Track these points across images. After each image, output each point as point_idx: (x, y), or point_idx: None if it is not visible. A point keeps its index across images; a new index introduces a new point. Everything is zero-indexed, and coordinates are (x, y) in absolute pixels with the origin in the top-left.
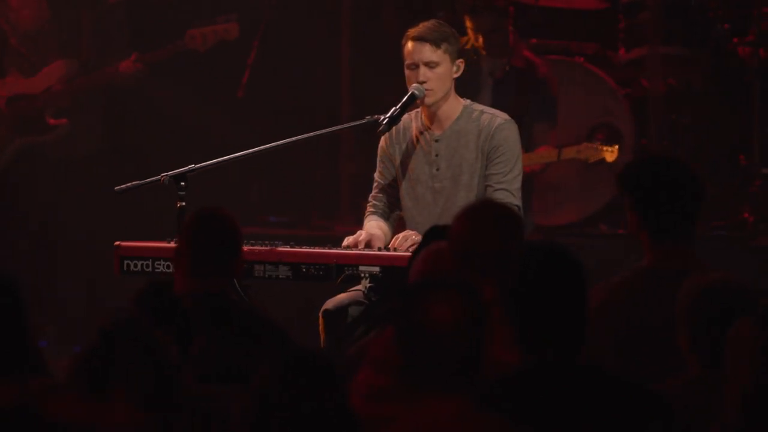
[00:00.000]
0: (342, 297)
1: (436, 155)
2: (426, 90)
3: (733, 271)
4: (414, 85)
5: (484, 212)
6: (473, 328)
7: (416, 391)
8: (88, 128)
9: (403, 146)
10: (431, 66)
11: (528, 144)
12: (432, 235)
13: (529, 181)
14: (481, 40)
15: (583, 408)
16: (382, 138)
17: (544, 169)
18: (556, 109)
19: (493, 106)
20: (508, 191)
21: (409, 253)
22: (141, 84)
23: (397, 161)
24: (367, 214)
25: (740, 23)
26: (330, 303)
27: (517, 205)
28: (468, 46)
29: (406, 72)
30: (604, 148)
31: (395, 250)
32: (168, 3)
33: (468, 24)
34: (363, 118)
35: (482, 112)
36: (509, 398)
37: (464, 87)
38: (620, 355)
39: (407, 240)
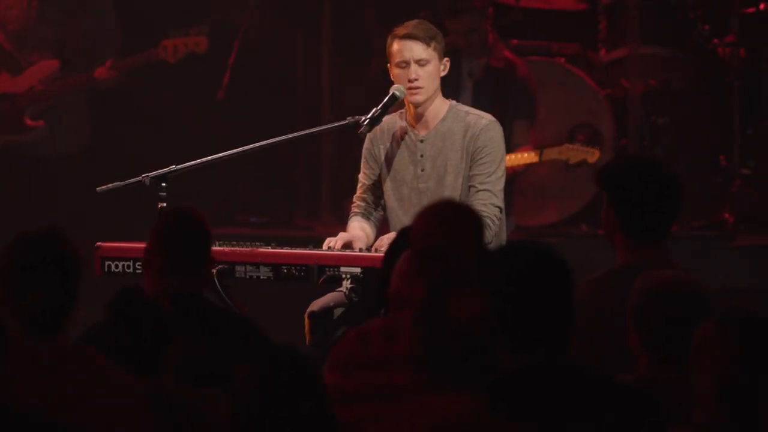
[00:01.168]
0: (327, 298)
1: (421, 155)
2: (417, 88)
3: (711, 271)
4: (395, 85)
5: (443, 211)
6: (491, 324)
7: (432, 387)
8: (67, 129)
9: (388, 146)
10: (422, 64)
11: (507, 144)
12: (404, 235)
13: (510, 181)
14: (460, 41)
15: (578, 408)
16: (367, 138)
17: (525, 170)
18: (535, 109)
19: (473, 106)
20: (491, 192)
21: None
22: (122, 86)
23: (382, 161)
24: (351, 215)
25: (720, 24)
26: (315, 305)
27: (498, 207)
28: (448, 47)
29: (395, 71)
30: (586, 150)
31: (377, 250)
32: (150, 9)
33: (448, 26)
34: (344, 119)
35: (468, 112)
36: (515, 398)
37: (444, 88)
38: (590, 353)
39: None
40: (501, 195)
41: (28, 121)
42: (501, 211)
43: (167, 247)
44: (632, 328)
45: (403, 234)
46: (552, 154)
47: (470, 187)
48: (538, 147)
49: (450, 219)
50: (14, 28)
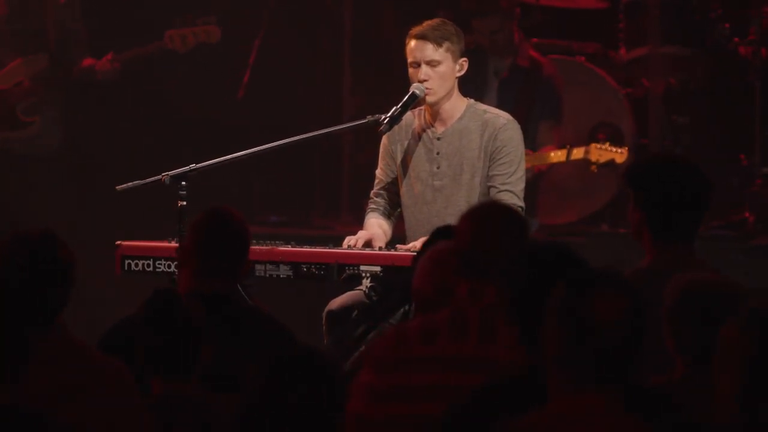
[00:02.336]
0: (345, 298)
1: (438, 153)
2: (427, 89)
3: (730, 271)
4: (415, 84)
5: (490, 214)
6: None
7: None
8: (59, 123)
9: (405, 143)
10: (432, 65)
11: (532, 143)
12: (438, 235)
13: (535, 180)
14: (486, 40)
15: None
16: (385, 135)
17: (548, 170)
18: (560, 108)
19: (499, 105)
20: (512, 192)
21: (411, 253)
22: (125, 79)
23: (399, 158)
24: (367, 211)
25: (741, 23)
26: (333, 304)
27: (521, 207)
28: (473, 46)
29: (409, 70)
30: (614, 149)
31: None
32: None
33: (474, 25)
34: (364, 118)
35: (485, 111)
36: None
37: (469, 87)
38: None
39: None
40: (522, 195)
41: (22, 118)
42: (523, 211)
43: (203, 247)
44: (667, 330)
45: (439, 233)
46: (580, 153)
47: (490, 187)
48: (565, 146)
49: (494, 220)
50: None
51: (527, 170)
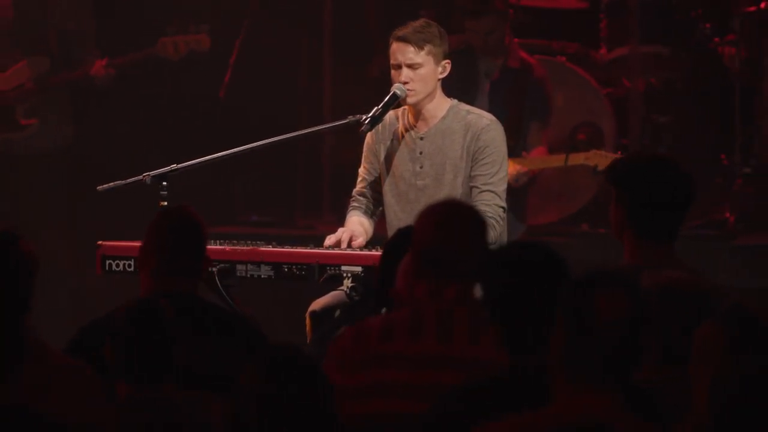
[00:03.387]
0: (328, 298)
1: (420, 153)
2: (408, 90)
3: (711, 271)
4: (396, 84)
5: (448, 213)
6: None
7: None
8: (56, 126)
9: (388, 143)
10: (414, 67)
11: (523, 144)
12: (401, 235)
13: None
14: (478, 41)
15: None
16: (369, 133)
17: (539, 173)
18: (549, 110)
19: (490, 106)
20: (494, 193)
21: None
22: (118, 84)
23: (382, 157)
24: (349, 209)
25: (721, 23)
26: (317, 304)
27: (502, 207)
28: (463, 46)
29: (392, 71)
30: (615, 155)
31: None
32: (142, 7)
33: (467, 25)
34: (345, 118)
35: (468, 112)
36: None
37: (460, 88)
38: None
39: None
40: (504, 195)
41: (22, 120)
42: (504, 211)
43: (161, 246)
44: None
45: (402, 234)
46: (579, 159)
47: (473, 187)
48: (564, 151)
49: (451, 219)
50: None
51: (523, 174)
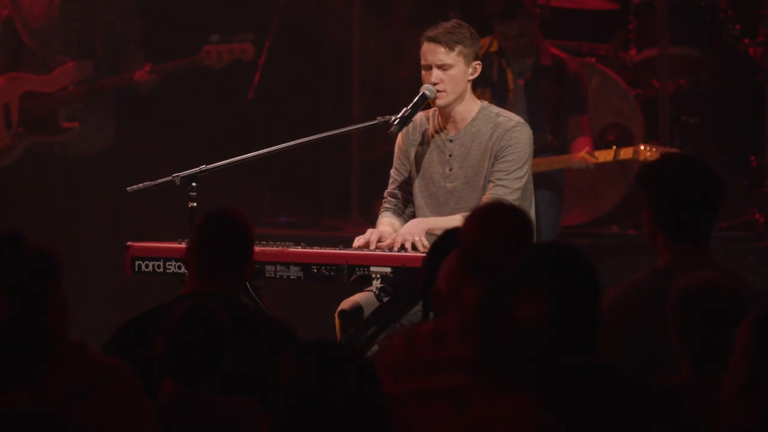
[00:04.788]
0: (357, 297)
1: (450, 155)
2: (438, 92)
3: (740, 272)
4: (425, 85)
5: (496, 214)
6: (554, 326)
7: (492, 386)
8: (98, 128)
9: (419, 144)
10: (444, 68)
11: (564, 139)
12: (448, 239)
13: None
14: (509, 44)
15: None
16: (399, 135)
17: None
18: (586, 101)
19: (527, 107)
20: (505, 187)
21: (423, 254)
22: (161, 89)
23: (412, 159)
24: (381, 210)
25: (751, 24)
26: (345, 304)
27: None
28: (494, 49)
29: (422, 72)
30: (663, 150)
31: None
32: (183, 14)
33: (497, 29)
34: (374, 119)
35: (498, 114)
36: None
37: (493, 90)
38: (635, 355)
39: (410, 234)
40: (518, 193)
41: (64, 124)
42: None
43: (204, 248)
44: (672, 330)
45: (447, 235)
46: (627, 153)
47: (489, 182)
48: (612, 146)
49: (501, 222)
50: (37, 26)
51: (562, 169)
